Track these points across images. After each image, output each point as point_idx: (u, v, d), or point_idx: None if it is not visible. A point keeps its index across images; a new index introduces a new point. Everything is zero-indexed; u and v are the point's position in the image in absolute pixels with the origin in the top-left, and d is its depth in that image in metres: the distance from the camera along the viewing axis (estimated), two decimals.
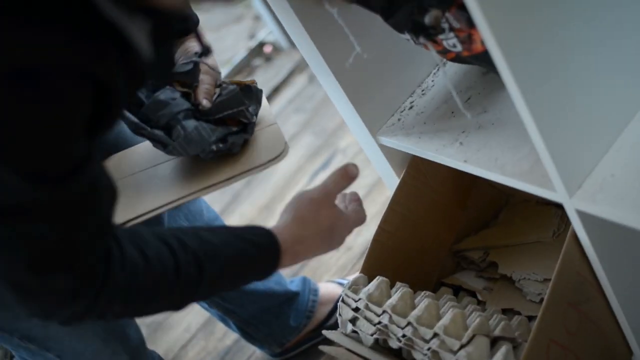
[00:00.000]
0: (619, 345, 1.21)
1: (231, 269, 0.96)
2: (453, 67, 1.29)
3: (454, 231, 1.44)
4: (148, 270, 0.88)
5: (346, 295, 1.22)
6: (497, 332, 1.10)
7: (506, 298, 1.31)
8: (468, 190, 1.44)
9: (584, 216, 0.98)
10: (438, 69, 1.32)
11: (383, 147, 1.28)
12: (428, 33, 1.03)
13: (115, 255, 0.86)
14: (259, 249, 0.99)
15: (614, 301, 1.11)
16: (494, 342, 1.09)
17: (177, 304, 0.95)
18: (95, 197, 0.83)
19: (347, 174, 1.08)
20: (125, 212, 1.18)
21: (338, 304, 1.23)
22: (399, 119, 1.27)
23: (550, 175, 0.94)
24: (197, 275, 0.92)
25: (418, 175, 1.33)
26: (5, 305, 1.08)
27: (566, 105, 0.90)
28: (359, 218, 1.12)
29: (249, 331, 1.61)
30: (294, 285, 1.63)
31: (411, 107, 1.28)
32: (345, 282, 1.70)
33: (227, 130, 1.21)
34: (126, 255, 0.87)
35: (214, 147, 1.19)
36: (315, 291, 1.64)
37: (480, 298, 1.33)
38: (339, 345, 1.20)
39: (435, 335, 1.09)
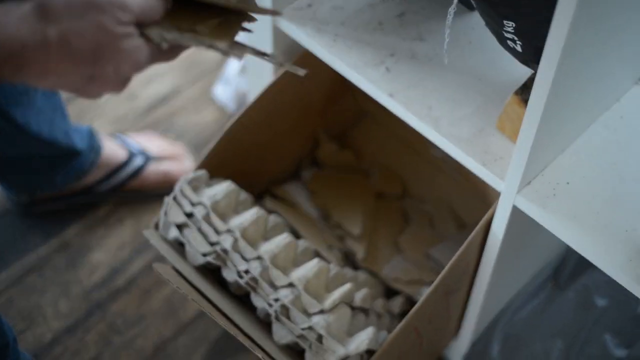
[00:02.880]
0: (450, 328, 1.13)
1: None
2: None
3: (310, 139, 1.26)
4: None
5: (181, 192, 0.98)
6: (358, 302, 0.95)
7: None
8: (334, 99, 1.25)
9: (518, 214, 0.85)
10: None
11: (277, 31, 1.04)
12: None
13: None
14: None
15: (480, 292, 1.01)
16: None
17: None
18: None
19: None
20: None
21: (166, 199, 0.99)
22: (309, 5, 1.03)
23: (514, 160, 0.79)
24: None
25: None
26: None
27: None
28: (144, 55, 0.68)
29: (5, 172, 1.31)
30: (78, 139, 1.32)
31: None
32: (129, 140, 1.42)
33: None
34: None
35: None
36: (98, 150, 1.35)
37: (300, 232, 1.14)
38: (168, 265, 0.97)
39: (291, 285, 0.91)
